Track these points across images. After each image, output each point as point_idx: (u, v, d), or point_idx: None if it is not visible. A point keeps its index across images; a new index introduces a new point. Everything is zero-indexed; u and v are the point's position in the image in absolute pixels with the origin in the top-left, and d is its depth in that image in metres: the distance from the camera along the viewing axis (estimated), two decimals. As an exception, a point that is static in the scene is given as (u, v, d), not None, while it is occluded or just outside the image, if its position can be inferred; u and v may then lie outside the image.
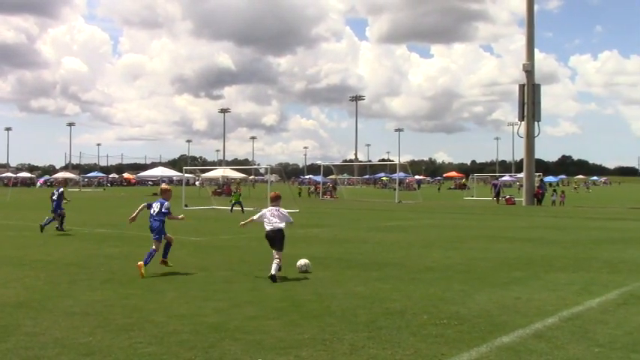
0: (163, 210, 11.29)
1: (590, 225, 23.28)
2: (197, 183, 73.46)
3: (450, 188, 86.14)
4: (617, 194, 68.86)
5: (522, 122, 42.16)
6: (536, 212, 33.02)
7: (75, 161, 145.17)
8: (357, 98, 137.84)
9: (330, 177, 71.27)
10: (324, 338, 6.51)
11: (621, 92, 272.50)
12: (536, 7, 43.83)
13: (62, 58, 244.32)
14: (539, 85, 42.52)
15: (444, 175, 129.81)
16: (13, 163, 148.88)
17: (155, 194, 60.51)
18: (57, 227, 18.94)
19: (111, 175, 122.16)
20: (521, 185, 47.28)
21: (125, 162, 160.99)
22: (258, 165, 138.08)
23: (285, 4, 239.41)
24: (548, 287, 9.60)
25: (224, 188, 58.37)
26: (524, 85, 41.84)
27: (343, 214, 30.91)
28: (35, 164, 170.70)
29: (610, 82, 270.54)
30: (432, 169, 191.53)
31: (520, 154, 53.07)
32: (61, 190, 19.90)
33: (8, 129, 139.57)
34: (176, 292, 9.06)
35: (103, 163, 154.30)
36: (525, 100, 41.44)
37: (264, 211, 10.89)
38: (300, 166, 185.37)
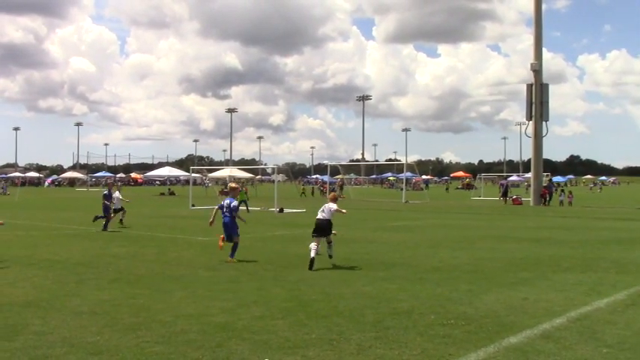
0: (232, 206, 12.86)
1: (598, 225, 23.17)
2: (204, 183, 73.60)
3: (458, 188, 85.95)
4: (626, 194, 68.51)
5: (530, 122, 42.01)
6: (543, 212, 32.90)
7: (83, 161, 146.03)
8: (364, 98, 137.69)
9: (337, 177, 71.24)
10: (331, 338, 6.51)
11: (630, 92, 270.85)
12: (544, 7, 43.65)
13: (70, 58, 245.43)
14: (547, 85, 42.35)
15: (451, 175, 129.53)
16: (21, 163, 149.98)
17: (162, 194, 60.80)
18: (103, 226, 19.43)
19: (118, 175, 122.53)
20: (529, 185, 47.12)
21: (132, 162, 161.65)
22: (265, 165, 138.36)
23: (292, 4, 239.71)
24: (556, 288, 9.57)
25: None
26: (532, 85, 41.69)
27: (350, 214, 30.83)
28: (43, 164, 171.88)
29: (618, 82, 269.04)
30: (439, 169, 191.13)
31: (528, 153, 53.03)
32: (107, 192, 20.59)
33: (16, 129, 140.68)
34: (183, 292, 9.08)
35: (110, 162, 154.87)
36: (533, 100, 41.28)
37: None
38: (307, 165, 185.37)
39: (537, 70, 41.61)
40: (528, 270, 11.43)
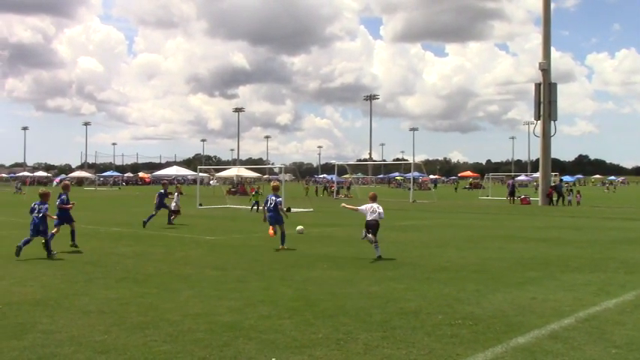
0: (277, 201, 14.67)
1: (607, 225, 23.05)
2: (212, 182, 73.77)
3: (464, 188, 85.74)
4: (637, 194, 68.09)
5: (538, 121, 41.82)
6: (551, 212, 32.76)
7: (91, 160, 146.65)
8: (371, 97, 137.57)
9: (344, 176, 71.21)
10: (338, 338, 6.51)
11: (639, 91, 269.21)
12: (552, 6, 43.46)
13: (78, 58, 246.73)
14: (555, 84, 42.14)
15: (459, 175, 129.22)
16: (29, 163, 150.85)
17: (170, 194, 60.85)
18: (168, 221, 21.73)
19: (126, 175, 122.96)
20: (538, 185, 46.91)
21: (140, 161, 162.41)
22: (273, 164, 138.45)
23: (300, 3, 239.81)
24: (564, 287, 9.52)
25: (238, 187, 58.53)
26: (540, 84, 41.50)
27: (357, 213, 30.86)
28: (51, 163, 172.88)
29: (627, 81, 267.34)
30: (446, 169, 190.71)
31: (536, 153, 52.82)
32: (163, 191, 22.20)
33: (25, 128, 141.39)
34: (191, 291, 9.10)
35: (118, 162, 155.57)
36: (541, 99, 41.10)
37: (366, 205, 13.38)
38: (315, 165, 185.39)
39: (546, 69, 41.42)
40: (536, 270, 11.39)
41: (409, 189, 52.42)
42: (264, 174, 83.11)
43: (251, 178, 66.80)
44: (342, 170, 67.03)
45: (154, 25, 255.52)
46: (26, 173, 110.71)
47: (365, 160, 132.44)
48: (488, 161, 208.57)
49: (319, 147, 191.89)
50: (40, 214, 13.17)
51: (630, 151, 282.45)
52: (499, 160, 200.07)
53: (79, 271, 11.15)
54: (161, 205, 21.85)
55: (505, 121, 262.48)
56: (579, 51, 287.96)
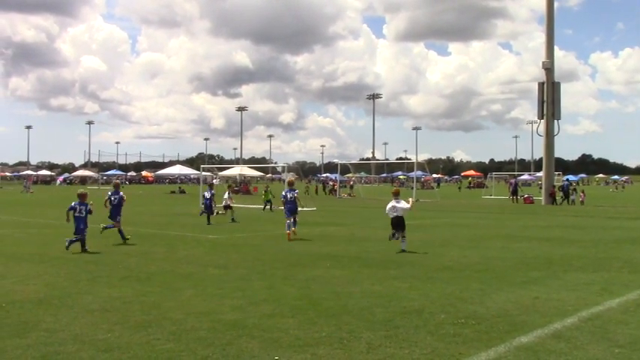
0: (295, 195, 17.26)
1: (610, 224, 23.00)
2: (215, 181, 73.85)
3: (468, 187, 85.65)
4: (636, 193, 67.89)
5: (542, 120, 41.72)
6: (555, 211, 32.71)
7: (94, 159, 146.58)
8: (374, 96, 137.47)
9: (347, 175, 71.21)
10: (341, 337, 6.51)
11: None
12: (556, 4, 43.39)
13: (81, 57, 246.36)
14: (558, 83, 42.05)
15: (462, 174, 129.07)
16: (33, 161, 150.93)
17: (173, 192, 61.00)
18: (232, 219, 22.83)
19: (129, 173, 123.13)
20: (542, 184, 46.82)
21: (143, 160, 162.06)
22: (276, 163, 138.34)
23: (303, 2, 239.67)
24: (568, 287, 9.51)
25: (241, 186, 58.57)
26: (543, 83, 41.41)
27: (360, 212, 30.87)
28: (55, 162, 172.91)
29: (631, 80, 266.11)
30: (449, 168, 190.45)
31: (539, 152, 52.73)
32: (213, 192, 23.44)
33: (29, 127, 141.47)
34: (194, 290, 9.11)
35: (121, 161, 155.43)
36: (545, 98, 41.00)
37: (389, 205, 14.22)
38: (318, 164, 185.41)
39: (549, 68, 41.33)
40: (539, 269, 11.37)
41: (412, 188, 52.38)
42: (267, 173, 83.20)
43: (252, 177, 66.77)
44: (345, 169, 67.04)
45: (157, 24, 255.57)
46: (30, 172, 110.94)
47: (368, 159, 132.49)
48: (492, 160, 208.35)
49: (322, 146, 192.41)
50: (83, 214, 13.96)
51: (634, 150, 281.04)
52: (502, 160, 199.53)
53: (82, 269, 11.17)
54: (211, 204, 22.76)
55: (508, 120, 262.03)
56: (583, 50, 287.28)
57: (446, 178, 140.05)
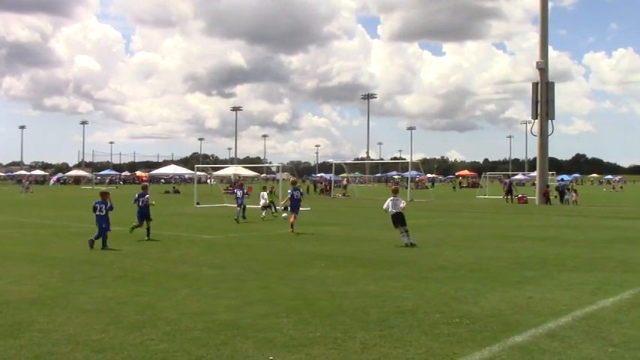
0: (301, 192, 19.67)
1: (604, 224, 23.08)
2: (209, 181, 73.73)
3: (463, 187, 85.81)
4: (633, 193, 68.16)
5: (536, 120, 41.83)
6: (549, 211, 32.81)
7: (88, 159, 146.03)
8: (368, 96, 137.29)
9: (342, 175, 71.23)
10: (335, 337, 6.51)
11: (636, 90, 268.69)
12: (550, 5, 43.53)
13: (75, 57, 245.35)
14: (552, 83, 42.17)
15: (457, 174, 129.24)
16: (27, 161, 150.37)
17: (167, 192, 60.86)
18: (243, 216, 23.67)
19: (123, 173, 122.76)
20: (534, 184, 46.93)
21: (137, 160, 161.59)
22: (270, 163, 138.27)
23: (297, 2, 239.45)
24: (562, 287, 9.54)
25: (235, 186, 58.48)
26: (537, 83, 41.52)
27: (355, 212, 30.88)
28: (49, 162, 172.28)
29: (624, 80, 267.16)
30: (444, 168, 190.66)
31: (533, 152, 52.85)
32: (243, 190, 25.27)
33: (22, 127, 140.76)
34: (188, 290, 9.09)
35: (115, 161, 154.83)
36: (539, 98, 41.11)
37: (388, 201, 14.98)
38: (312, 164, 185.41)
39: (543, 68, 41.44)
40: (533, 269, 11.40)
41: (406, 188, 52.46)
42: (262, 173, 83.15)
43: (244, 177, 66.66)
44: (339, 169, 67.08)
45: (151, 23, 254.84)
46: (23, 172, 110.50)
47: (362, 159, 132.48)
48: (486, 160, 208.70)
49: (317, 146, 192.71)
50: (103, 213, 14.38)
51: (627, 150, 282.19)
52: (496, 159, 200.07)
53: (76, 269, 11.14)
54: (243, 202, 24.20)
55: (502, 120, 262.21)
56: (577, 50, 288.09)
57: (440, 177, 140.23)
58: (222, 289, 9.14)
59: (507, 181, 49.58)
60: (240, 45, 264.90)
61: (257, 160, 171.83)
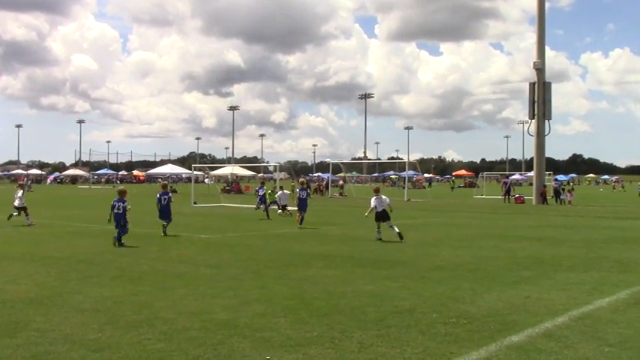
0: (307, 192, 21.00)
1: (600, 224, 23.14)
2: (206, 180, 73.66)
3: (460, 186, 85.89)
4: (629, 194, 68.29)
5: (533, 120, 41.91)
6: (545, 211, 32.87)
7: (85, 158, 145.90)
8: (366, 96, 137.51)
9: (338, 175, 71.24)
10: (332, 336, 6.51)
11: (633, 90, 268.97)
12: (547, 5, 43.65)
13: (72, 56, 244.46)
14: (549, 83, 42.25)
15: (454, 174, 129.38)
16: (23, 160, 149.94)
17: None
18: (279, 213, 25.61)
19: (120, 173, 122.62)
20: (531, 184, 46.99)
21: (134, 159, 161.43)
22: (267, 163, 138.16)
23: (295, 2, 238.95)
24: (558, 286, 9.56)
25: (233, 186, 58.46)
26: (534, 83, 41.60)
27: (352, 212, 30.87)
28: (45, 161, 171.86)
29: (621, 81, 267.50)
30: (441, 168, 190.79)
31: (530, 152, 52.83)
32: (264, 188, 26.92)
33: (19, 126, 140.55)
34: (185, 289, 9.09)
35: (112, 160, 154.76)
36: (536, 99, 41.20)
37: (373, 199, 16.16)
38: (309, 163, 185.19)
39: (540, 68, 41.52)
40: (530, 269, 11.42)
41: (404, 188, 52.49)
42: (259, 172, 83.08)
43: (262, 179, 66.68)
44: (336, 169, 67.07)
45: (148, 23, 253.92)
46: (20, 171, 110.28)
47: (360, 158, 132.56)
48: (483, 160, 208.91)
49: (314, 145, 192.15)
50: (120, 211, 14.74)
51: (624, 150, 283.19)
52: (494, 159, 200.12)
53: (72, 269, 11.12)
54: (263, 199, 25.80)
55: (499, 120, 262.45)
56: (574, 50, 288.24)
57: (437, 177, 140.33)
58: (220, 289, 9.13)
59: (507, 181, 49.69)
60: (237, 44, 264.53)
61: (254, 159, 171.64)
